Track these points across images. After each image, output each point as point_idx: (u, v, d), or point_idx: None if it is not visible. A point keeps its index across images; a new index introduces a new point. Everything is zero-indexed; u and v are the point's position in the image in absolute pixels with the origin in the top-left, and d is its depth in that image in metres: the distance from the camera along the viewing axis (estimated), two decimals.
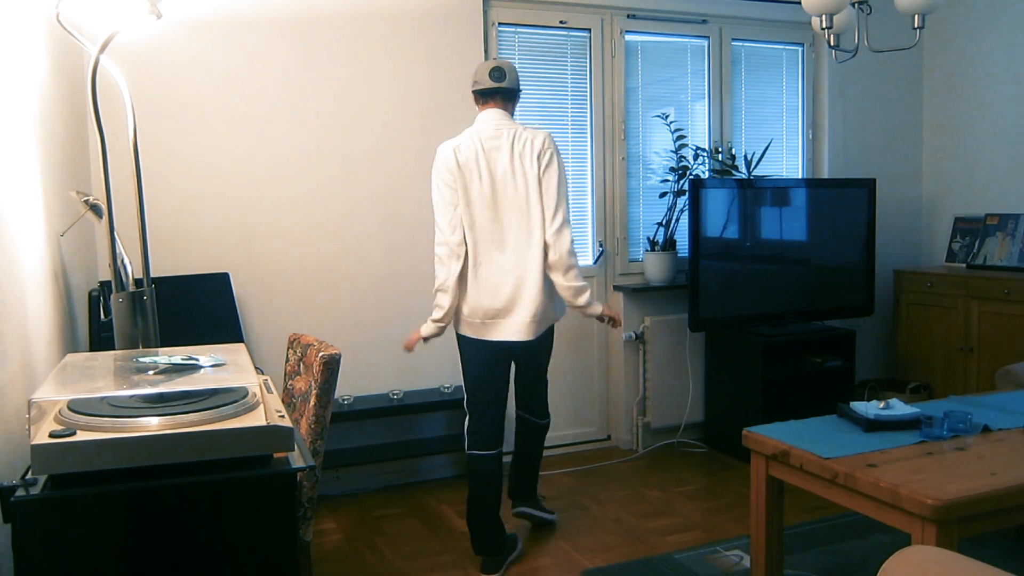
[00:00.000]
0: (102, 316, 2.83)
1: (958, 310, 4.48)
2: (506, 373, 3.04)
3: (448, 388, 3.94)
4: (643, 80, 4.45)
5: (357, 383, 3.87)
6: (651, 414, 4.40)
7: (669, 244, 4.39)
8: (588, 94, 4.32)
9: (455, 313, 2.97)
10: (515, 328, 2.92)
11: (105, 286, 2.63)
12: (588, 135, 4.34)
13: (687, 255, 4.18)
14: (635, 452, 4.39)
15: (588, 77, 4.32)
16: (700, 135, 4.60)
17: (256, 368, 2.13)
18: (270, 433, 1.59)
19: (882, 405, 2.64)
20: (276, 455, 1.63)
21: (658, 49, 4.50)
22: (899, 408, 2.63)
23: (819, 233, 4.46)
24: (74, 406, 1.62)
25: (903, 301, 4.81)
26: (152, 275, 2.51)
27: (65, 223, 2.61)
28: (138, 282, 2.41)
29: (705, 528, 3.38)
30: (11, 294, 1.92)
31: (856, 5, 3.10)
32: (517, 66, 4.19)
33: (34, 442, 1.47)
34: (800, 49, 4.83)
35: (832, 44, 3.23)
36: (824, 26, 3.10)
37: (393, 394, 3.84)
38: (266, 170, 3.68)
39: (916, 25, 3.07)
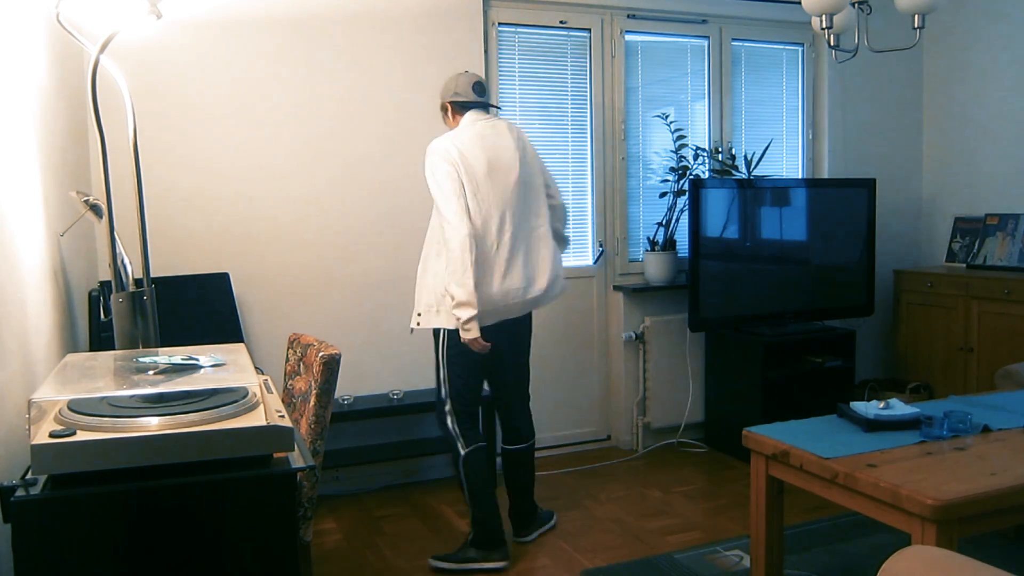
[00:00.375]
0: (102, 316, 2.83)
1: (958, 310, 4.48)
2: (491, 364, 3.10)
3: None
4: (643, 80, 4.45)
5: (357, 383, 3.87)
6: (651, 414, 4.40)
7: (669, 244, 4.39)
8: (588, 94, 4.32)
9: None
10: (533, 298, 3.05)
11: (105, 286, 2.63)
12: (588, 135, 4.34)
13: (687, 255, 4.18)
14: (635, 452, 4.39)
15: (588, 77, 4.32)
16: (700, 135, 4.60)
17: (256, 368, 2.13)
18: (270, 433, 1.59)
19: (882, 405, 2.64)
20: (276, 455, 1.63)
21: (658, 49, 4.50)
22: (899, 408, 2.63)
23: (819, 233, 4.46)
24: (74, 406, 1.62)
25: (903, 301, 4.81)
26: (152, 275, 2.51)
27: (65, 223, 2.61)
28: (138, 282, 2.41)
29: (705, 528, 3.38)
30: (11, 294, 1.92)
31: (856, 5, 3.10)
32: (517, 66, 4.22)
33: (34, 442, 1.47)
34: (800, 49, 4.83)
35: (832, 44, 3.23)
36: (824, 26, 3.10)
37: (393, 394, 3.84)
38: (266, 170, 3.68)
39: (916, 25, 3.07)
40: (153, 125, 3.47)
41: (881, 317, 5.00)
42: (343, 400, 3.73)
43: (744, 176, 4.44)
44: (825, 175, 4.85)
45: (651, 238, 4.42)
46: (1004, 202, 4.66)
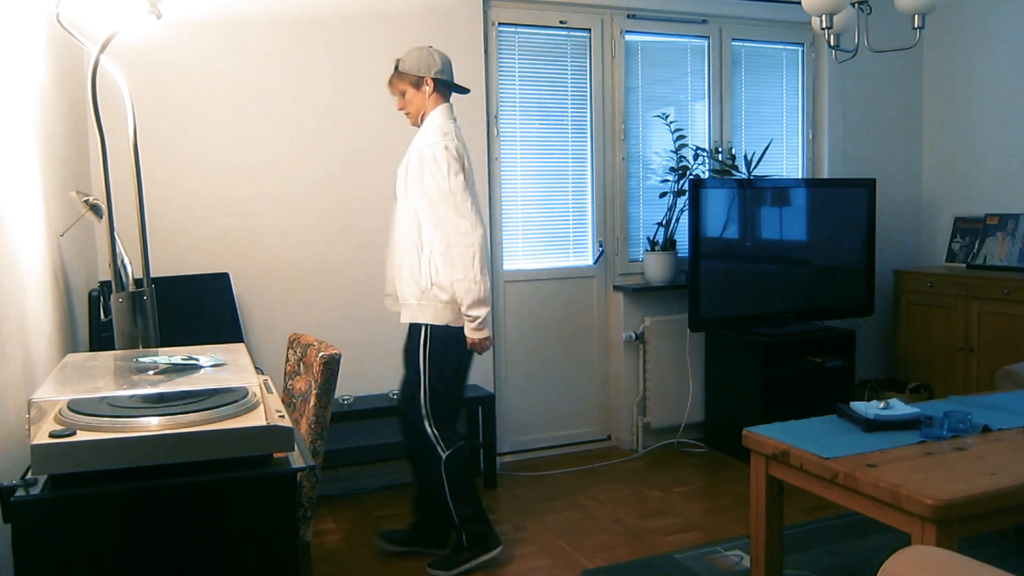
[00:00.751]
0: (102, 316, 2.83)
1: (958, 310, 4.48)
2: (468, 365, 3.07)
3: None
4: (643, 80, 4.45)
5: (357, 383, 3.86)
6: (651, 414, 4.40)
7: (669, 244, 4.39)
8: (588, 94, 4.32)
9: (453, 307, 2.88)
10: None
11: (105, 286, 2.63)
12: (588, 135, 4.34)
13: (687, 255, 4.18)
14: (635, 452, 4.39)
15: (588, 77, 4.32)
16: (700, 135, 4.60)
17: (256, 368, 2.13)
18: (270, 433, 1.59)
19: (882, 405, 2.64)
20: (276, 455, 1.63)
21: (658, 49, 4.50)
22: (899, 408, 2.63)
23: (819, 233, 4.46)
24: (74, 406, 1.62)
25: (903, 301, 4.81)
26: (152, 275, 2.50)
27: (65, 223, 2.61)
28: (138, 282, 2.41)
29: (705, 528, 3.38)
30: (11, 294, 1.92)
31: (856, 5, 3.10)
32: (517, 66, 4.22)
33: (34, 442, 1.47)
34: (800, 49, 4.83)
35: (832, 44, 3.23)
36: (824, 26, 3.10)
37: (393, 394, 3.83)
38: (266, 170, 3.68)
39: (916, 25, 3.07)
40: (153, 125, 3.47)
41: (881, 317, 5.00)
42: (343, 400, 3.73)
43: (744, 176, 4.44)
44: (825, 175, 4.85)
45: (651, 238, 4.42)
46: (1004, 202, 4.66)
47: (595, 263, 4.41)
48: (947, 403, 2.90)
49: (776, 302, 4.33)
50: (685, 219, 4.22)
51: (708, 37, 4.57)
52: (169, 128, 3.51)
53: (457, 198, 2.80)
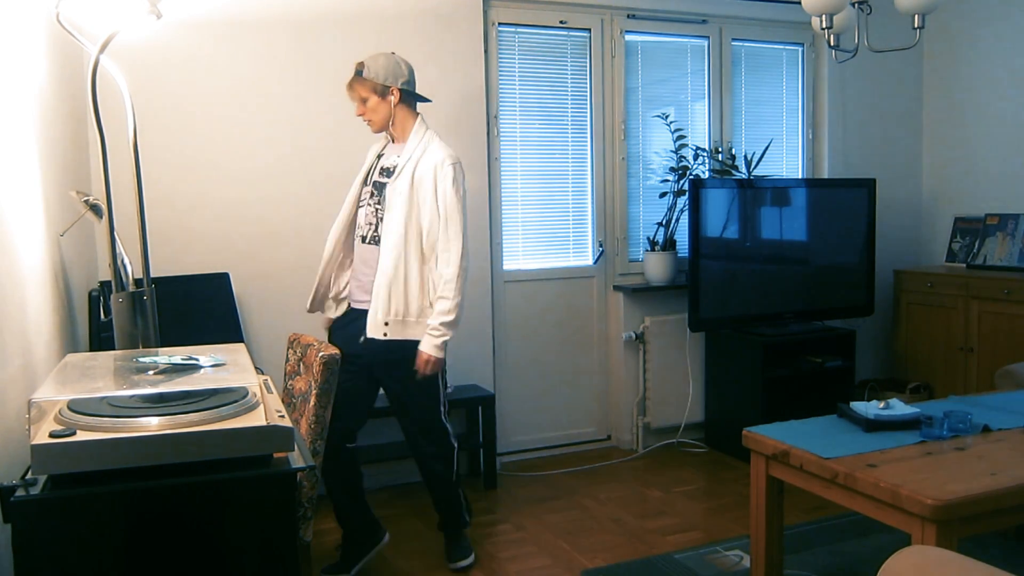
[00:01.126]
0: (102, 316, 2.83)
1: (958, 310, 4.48)
2: None
3: (448, 389, 3.93)
4: (643, 80, 4.45)
5: None
6: (651, 414, 4.40)
7: (669, 244, 4.39)
8: (588, 94, 4.32)
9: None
10: None
11: (105, 286, 2.63)
12: (588, 135, 4.34)
13: (687, 255, 4.18)
14: (635, 452, 4.39)
15: (588, 77, 4.32)
16: (700, 135, 4.60)
17: (256, 368, 2.13)
18: (270, 433, 1.59)
19: (882, 405, 2.64)
20: (276, 455, 1.63)
21: (658, 49, 4.50)
22: (899, 408, 2.63)
23: (819, 233, 4.46)
24: (74, 406, 1.62)
25: (903, 301, 4.81)
26: (152, 275, 2.50)
27: (65, 223, 2.61)
28: (138, 282, 2.41)
29: (705, 528, 3.38)
30: (11, 294, 1.92)
31: (856, 5, 3.10)
32: (517, 66, 4.22)
33: (34, 442, 1.47)
34: (800, 49, 4.83)
35: (832, 44, 3.23)
36: (824, 26, 3.10)
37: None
38: (267, 170, 3.68)
39: (916, 25, 3.07)
40: (153, 125, 3.47)
41: (881, 317, 5.00)
42: None
43: (744, 176, 4.44)
44: (825, 175, 4.85)
45: (651, 238, 4.42)
46: (1004, 202, 4.66)
47: (595, 263, 4.41)
48: (947, 403, 2.90)
49: (776, 302, 4.33)
50: (685, 219, 4.22)
51: (708, 37, 4.56)
52: (169, 128, 3.51)
53: (459, 217, 2.85)
